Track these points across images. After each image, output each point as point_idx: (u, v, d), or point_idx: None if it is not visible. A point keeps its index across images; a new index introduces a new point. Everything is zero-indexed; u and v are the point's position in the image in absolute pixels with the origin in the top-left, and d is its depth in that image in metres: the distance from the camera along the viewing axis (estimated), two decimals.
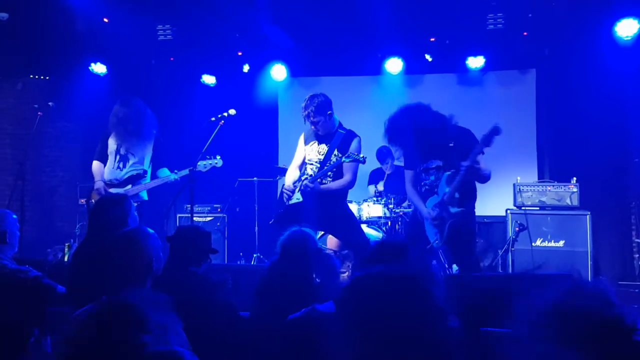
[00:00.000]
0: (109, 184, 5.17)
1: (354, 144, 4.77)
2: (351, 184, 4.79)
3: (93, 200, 5.20)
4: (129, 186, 5.16)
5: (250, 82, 7.94)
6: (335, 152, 4.76)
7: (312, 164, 4.86)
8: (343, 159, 4.65)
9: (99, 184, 5.19)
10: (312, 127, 4.80)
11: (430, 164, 4.34)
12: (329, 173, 4.75)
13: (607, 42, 6.32)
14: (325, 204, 4.69)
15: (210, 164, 5.17)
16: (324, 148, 4.82)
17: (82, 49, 7.15)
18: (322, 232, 6.10)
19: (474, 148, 3.99)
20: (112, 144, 5.26)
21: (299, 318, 2.49)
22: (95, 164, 5.32)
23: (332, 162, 4.75)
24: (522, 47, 7.26)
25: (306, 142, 4.95)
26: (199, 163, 5.12)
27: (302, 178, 4.85)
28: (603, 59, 6.55)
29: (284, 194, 4.92)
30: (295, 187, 4.85)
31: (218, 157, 5.20)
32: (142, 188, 5.20)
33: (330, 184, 4.76)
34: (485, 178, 4.19)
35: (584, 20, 6.53)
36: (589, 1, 6.28)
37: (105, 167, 5.26)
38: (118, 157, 5.22)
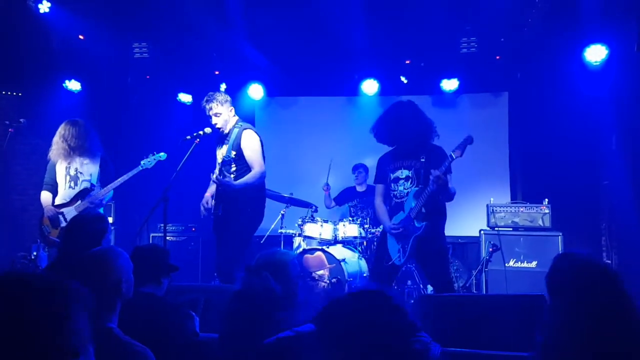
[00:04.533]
0: (60, 205, 5.15)
1: (243, 137, 4.74)
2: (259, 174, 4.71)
3: (46, 225, 5.16)
4: (79, 202, 5.13)
5: (231, 100, 7.93)
6: (232, 153, 4.73)
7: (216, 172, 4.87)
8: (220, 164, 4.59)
9: (48, 209, 5.16)
10: (213, 119, 4.77)
11: (400, 173, 4.35)
12: (232, 171, 4.68)
13: (577, 67, 6.48)
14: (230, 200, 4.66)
15: (155, 159, 5.18)
16: (222, 149, 4.83)
17: (57, 65, 7.06)
18: (300, 249, 6.08)
19: (446, 159, 4.04)
20: (60, 169, 5.23)
21: (274, 341, 2.45)
22: (44, 194, 5.26)
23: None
24: (495, 71, 7.42)
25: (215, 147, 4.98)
26: (142, 162, 5.17)
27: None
28: (573, 83, 6.72)
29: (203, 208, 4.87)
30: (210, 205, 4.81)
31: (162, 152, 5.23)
32: (94, 199, 5.15)
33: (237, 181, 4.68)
34: (450, 196, 4.19)
35: (555, 46, 6.70)
36: (559, 27, 6.44)
37: (58, 193, 5.22)
38: (68, 177, 5.20)
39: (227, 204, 4.69)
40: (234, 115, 4.89)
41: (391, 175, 4.40)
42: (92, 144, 5.23)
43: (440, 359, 2.71)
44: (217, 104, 4.74)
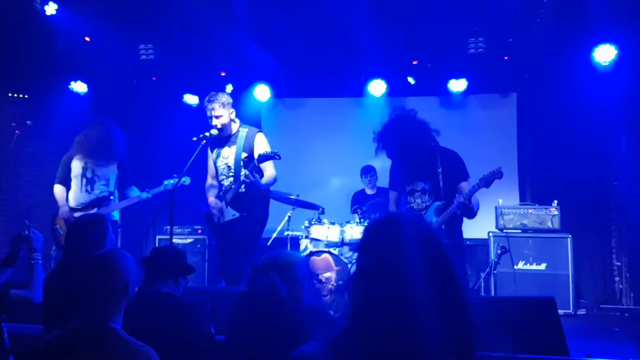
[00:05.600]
0: (74, 209, 5.11)
1: (258, 140, 4.72)
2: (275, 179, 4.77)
3: (58, 226, 5.13)
4: (95, 209, 5.08)
5: (233, 102, 7.93)
6: (243, 155, 4.70)
7: (224, 175, 4.79)
8: (255, 162, 4.51)
9: (63, 209, 5.13)
10: (213, 121, 4.72)
11: (416, 185, 4.29)
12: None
13: (585, 67, 6.42)
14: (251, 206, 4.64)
15: (179, 182, 5.16)
16: (228, 151, 4.79)
17: (63, 67, 7.08)
18: (307, 252, 6.04)
19: (473, 186, 3.95)
20: (76, 166, 5.19)
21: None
22: (58, 188, 5.25)
23: (242, 164, 4.62)
24: (503, 71, 7.36)
25: (212, 151, 4.91)
26: (165, 182, 5.22)
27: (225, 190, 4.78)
28: (582, 83, 6.65)
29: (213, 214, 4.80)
30: (223, 201, 4.73)
31: (187, 177, 5.18)
32: (111, 209, 5.14)
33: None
34: (473, 215, 4.14)
35: (563, 46, 6.64)
36: (568, 27, 6.38)
37: (71, 192, 5.19)
38: (85, 180, 5.17)
39: (241, 206, 4.66)
40: (236, 117, 4.86)
41: (407, 186, 4.33)
42: (116, 147, 5.19)
43: None
44: (219, 106, 4.70)
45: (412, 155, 4.15)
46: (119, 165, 5.25)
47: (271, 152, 4.52)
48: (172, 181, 5.20)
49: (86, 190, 5.15)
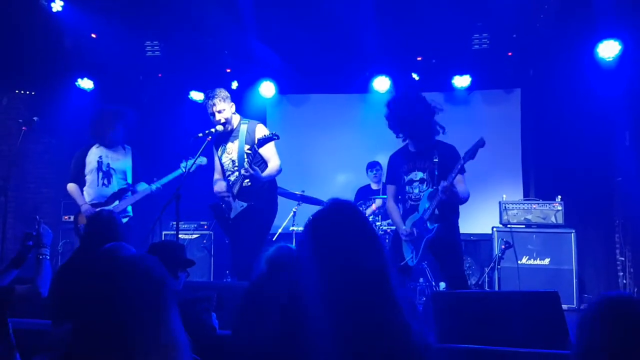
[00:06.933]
0: (95, 204, 5.08)
1: (258, 130, 4.71)
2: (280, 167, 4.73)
3: (81, 224, 5.13)
4: (117, 202, 5.10)
5: (238, 98, 7.91)
6: (246, 147, 4.68)
7: (229, 170, 4.79)
8: (255, 147, 4.51)
9: (85, 207, 5.09)
10: (216, 116, 4.70)
11: (414, 176, 4.34)
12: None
13: (589, 63, 6.42)
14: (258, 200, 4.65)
15: (196, 163, 5.14)
16: (232, 146, 4.78)
17: (69, 64, 7.11)
18: None
19: (455, 166, 4.01)
20: (91, 161, 5.18)
21: None
22: (72, 186, 5.20)
23: (246, 157, 4.61)
24: (507, 67, 7.36)
25: (216, 147, 4.91)
26: (182, 164, 5.14)
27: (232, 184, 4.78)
28: (586, 79, 6.65)
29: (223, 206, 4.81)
30: (230, 194, 4.72)
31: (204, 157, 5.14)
32: (128, 203, 5.16)
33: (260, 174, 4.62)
34: (461, 201, 4.18)
35: (567, 42, 6.65)
36: (572, 23, 6.39)
37: (86, 187, 5.17)
38: (101, 174, 5.15)
39: (248, 197, 4.67)
40: (235, 111, 4.87)
41: (405, 177, 4.39)
42: (120, 135, 5.20)
43: (453, 356, 2.69)
44: (219, 100, 4.69)
45: (412, 128, 4.28)
46: (133, 159, 5.27)
47: (270, 133, 4.52)
48: (190, 162, 5.13)
49: (103, 184, 5.13)
